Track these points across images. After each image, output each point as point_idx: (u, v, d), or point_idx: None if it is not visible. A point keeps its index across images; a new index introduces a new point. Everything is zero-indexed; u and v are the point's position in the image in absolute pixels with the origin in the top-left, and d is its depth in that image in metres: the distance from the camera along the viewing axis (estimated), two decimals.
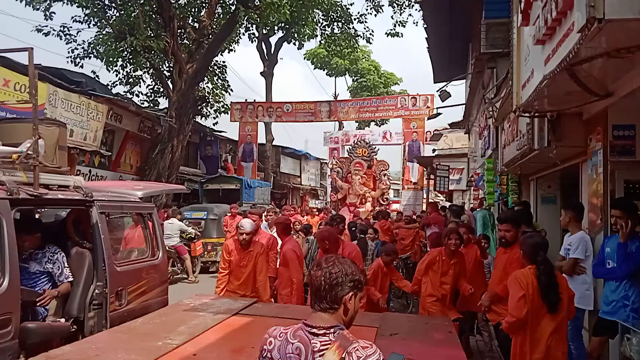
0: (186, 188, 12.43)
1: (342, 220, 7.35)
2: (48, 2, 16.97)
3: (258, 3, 16.87)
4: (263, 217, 9.37)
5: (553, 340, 3.71)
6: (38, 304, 4.18)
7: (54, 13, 17.15)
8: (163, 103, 19.68)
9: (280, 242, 6.44)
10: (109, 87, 18.53)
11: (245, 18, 17.09)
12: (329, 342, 1.80)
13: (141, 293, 5.04)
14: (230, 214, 12.67)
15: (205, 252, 12.80)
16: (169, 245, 11.76)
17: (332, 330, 1.83)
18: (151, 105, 19.98)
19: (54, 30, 17.52)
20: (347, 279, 1.89)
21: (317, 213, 16.21)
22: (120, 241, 6.96)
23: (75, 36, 18.15)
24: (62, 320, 4.26)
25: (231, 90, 22.29)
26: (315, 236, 6.64)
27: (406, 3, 20.39)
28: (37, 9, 16.91)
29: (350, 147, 23.82)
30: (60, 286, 4.34)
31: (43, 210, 5.88)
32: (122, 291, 4.71)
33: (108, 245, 4.62)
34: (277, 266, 6.12)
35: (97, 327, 4.38)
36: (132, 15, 17.24)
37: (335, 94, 37.07)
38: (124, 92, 19.48)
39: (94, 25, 18.23)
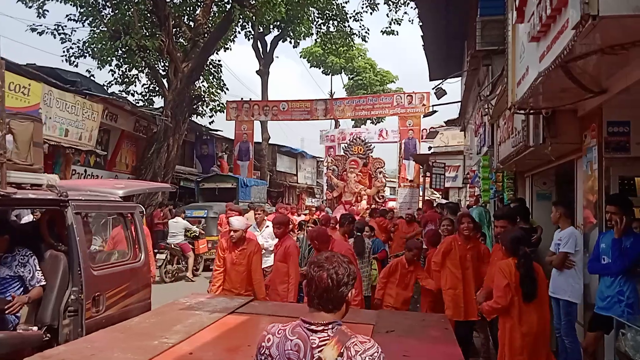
0: (171, 186, 12.38)
1: (353, 220, 7.09)
2: (41, 0, 16.90)
3: (253, 1, 16.83)
4: (252, 216, 9.34)
5: (539, 326, 4.02)
6: (7, 312, 3.95)
7: (47, 11, 17.07)
8: (158, 102, 19.67)
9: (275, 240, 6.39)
10: (105, 86, 18.47)
11: (241, 16, 17.06)
12: (328, 337, 1.82)
13: (121, 298, 4.74)
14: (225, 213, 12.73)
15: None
16: (174, 244, 11.87)
17: (330, 326, 1.84)
18: (147, 104, 19.93)
19: (48, 29, 17.46)
20: (350, 278, 1.92)
21: (315, 211, 16.22)
22: (106, 242, 6.87)
23: (70, 35, 18.09)
24: (34, 328, 4.01)
25: (227, 89, 22.30)
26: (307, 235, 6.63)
27: (402, 1, 20.38)
28: (30, 7, 16.83)
29: (346, 145, 23.79)
30: (31, 291, 4.09)
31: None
32: (99, 297, 4.42)
33: (84, 248, 4.36)
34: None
35: (73, 335, 4.06)
36: (127, 14, 17.17)
37: (331, 92, 37.10)
38: (119, 91, 19.43)
39: (88, 24, 18.15)
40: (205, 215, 13.98)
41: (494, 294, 4.15)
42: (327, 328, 1.84)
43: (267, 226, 7.91)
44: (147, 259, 5.40)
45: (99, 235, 7.55)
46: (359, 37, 23.79)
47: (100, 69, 18.78)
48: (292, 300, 5.51)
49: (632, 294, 4.11)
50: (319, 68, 38.74)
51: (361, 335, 1.85)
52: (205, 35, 17.69)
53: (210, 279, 6.07)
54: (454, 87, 14.47)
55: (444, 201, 17.24)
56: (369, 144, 23.37)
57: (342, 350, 1.76)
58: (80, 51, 18.22)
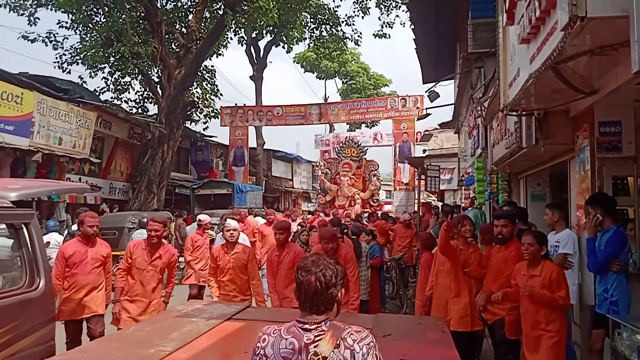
0: (90, 187, 11.41)
1: (339, 224, 7.31)
2: (33, 7, 16.87)
3: (246, 7, 16.87)
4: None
5: None
6: None
7: (39, 19, 17.07)
8: (153, 109, 19.64)
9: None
10: (97, 92, 18.43)
11: (233, 22, 17.09)
12: (322, 332, 1.85)
13: (4, 344, 3.43)
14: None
15: None
16: None
17: (322, 323, 1.88)
18: (141, 111, 19.91)
19: (40, 36, 17.44)
20: (338, 278, 1.94)
21: (310, 218, 16.13)
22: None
23: (61, 42, 18.07)
24: None
25: (221, 94, 22.31)
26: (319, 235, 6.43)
27: (393, 4, 20.48)
28: (22, 15, 16.81)
29: (339, 147, 23.45)
30: None
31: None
32: None
33: None
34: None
35: None
36: (119, 20, 17.18)
37: (325, 97, 37.17)
38: (112, 98, 19.40)
39: (80, 31, 18.14)
40: (217, 222, 13.83)
41: (563, 293, 4.01)
42: (319, 325, 1.87)
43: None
44: (49, 287, 4.00)
45: None
46: (351, 41, 23.94)
47: (93, 77, 18.78)
48: None
49: (617, 291, 4.13)
50: (313, 72, 38.88)
51: (355, 325, 1.89)
52: (198, 41, 17.70)
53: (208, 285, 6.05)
54: (447, 89, 14.49)
55: (439, 204, 17.25)
56: (363, 146, 23.13)
57: (338, 342, 1.80)
58: (72, 58, 18.20)
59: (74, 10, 17.17)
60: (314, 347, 1.82)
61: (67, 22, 18.00)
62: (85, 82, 18.45)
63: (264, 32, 26.06)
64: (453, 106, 14.55)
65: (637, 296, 4.42)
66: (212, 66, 21.63)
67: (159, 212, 14.38)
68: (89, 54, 17.71)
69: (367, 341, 1.83)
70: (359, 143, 23.45)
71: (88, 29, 17.97)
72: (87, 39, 18.19)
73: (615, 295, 4.11)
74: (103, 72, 18.79)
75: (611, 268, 4.16)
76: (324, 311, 1.91)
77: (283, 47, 27.13)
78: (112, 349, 3.27)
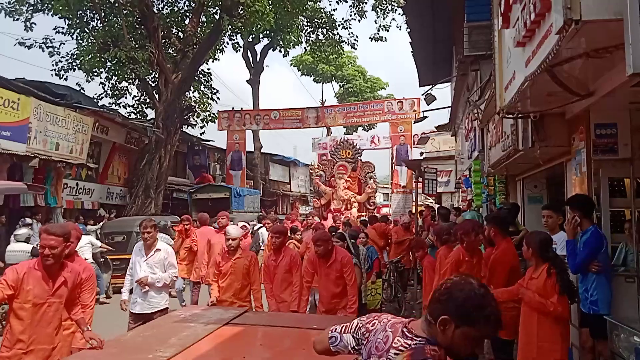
0: (27, 187, 10.75)
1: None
2: (29, 13, 16.89)
3: (242, 11, 16.90)
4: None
5: None
6: None
7: (35, 24, 17.12)
8: (150, 114, 19.64)
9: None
10: (95, 99, 18.43)
11: (230, 26, 17.11)
12: (407, 347, 1.72)
13: None
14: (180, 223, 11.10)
15: None
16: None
17: (418, 339, 1.72)
18: (139, 116, 19.90)
19: (36, 42, 17.44)
20: (453, 305, 1.66)
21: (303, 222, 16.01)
22: None
23: (58, 48, 18.08)
24: None
25: (218, 98, 22.31)
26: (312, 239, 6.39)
27: (389, 8, 20.55)
28: (17, 20, 16.82)
29: (333, 149, 22.67)
30: None
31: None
32: None
33: None
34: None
35: None
36: (116, 25, 17.19)
37: (322, 100, 37.18)
38: (110, 104, 19.40)
39: (76, 36, 18.15)
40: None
41: (553, 302, 3.77)
42: (415, 339, 1.73)
43: (158, 250, 5.65)
44: None
45: None
46: (348, 44, 23.98)
47: (89, 82, 18.79)
48: (302, 310, 5.47)
49: (596, 291, 4.19)
50: (310, 76, 38.91)
51: None
52: (195, 45, 17.72)
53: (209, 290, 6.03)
54: (444, 92, 14.54)
55: (436, 206, 17.26)
56: (358, 148, 22.56)
57: None
58: (69, 64, 18.20)
59: (71, 16, 17.19)
60: (394, 354, 1.73)
61: (63, 28, 18.03)
62: (83, 89, 18.47)
63: (261, 36, 26.10)
64: (450, 109, 14.59)
65: (634, 297, 4.43)
66: (209, 70, 21.65)
67: (168, 215, 14.33)
68: (85, 59, 17.72)
69: None
70: (354, 144, 22.93)
71: (85, 34, 17.99)
72: (83, 44, 18.19)
73: (595, 295, 4.19)
74: (100, 78, 18.80)
75: (590, 269, 4.21)
76: (427, 317, 1.73)
77: (280, 50, 27.19)
78: (109, 355, 3.27)
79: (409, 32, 11.53)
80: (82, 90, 17.90)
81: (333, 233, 7.97)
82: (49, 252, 3.64)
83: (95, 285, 4.28)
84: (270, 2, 18.22)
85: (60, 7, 16.42)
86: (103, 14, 17.29)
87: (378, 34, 21.55)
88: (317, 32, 23.63)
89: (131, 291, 5.71)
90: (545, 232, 4.37)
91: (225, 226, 7.43)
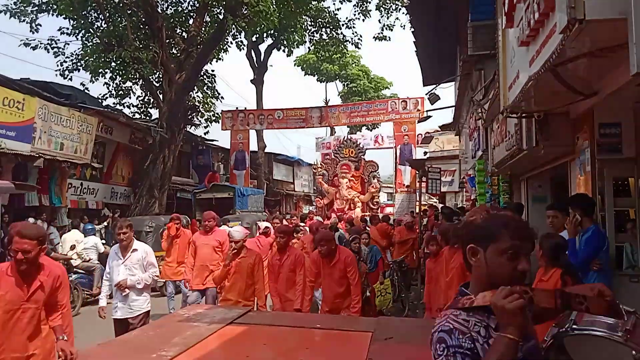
0: (14, 185, 10.27)
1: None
2: (34, 13, 16.94)
3: (246, 11, 16.91)
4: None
5: None
6: None
7: (40, 25, 17.14)
8: (154, 114, 19.67)
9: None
10: (99, 99, 18.48)
11: (234, 26, 17.13)
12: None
13: None
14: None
15: None
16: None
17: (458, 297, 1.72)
18: (143, 116, 19.94)
19: (41, 43, 17.49)
20: (471, 230, 1.73)
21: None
22: None
23: (63, 49, 18.13)
24: None
25: (222, 98, 22.32)
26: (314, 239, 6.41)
27: (393, 7, 20.51)
28: (23, 21, 16.87)
29: (336, 148, 22.52)
30: None
31: None
32: None
33: None
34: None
35: None
36: (120, 26, 17.22)
37: (326, 100, 37.19)
38: (114, 104, 19.45)
39: (81, 37, 18.20)
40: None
41: None
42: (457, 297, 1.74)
43: (135, 250, 5.49)
44: None
45: None
46: (352, 44, 23.96)
47: (94, 82, 18.85)
48: (306, 310, 5.48)
49: None
50: (314, 75, 38.90)
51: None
52: (199, 45, 17.74)
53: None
54: (447, 91, 14.52)
55: (439, 206, 17.23)
56: (362, 146, 22.31)
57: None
58: (73, 65, 18.25)
59: (75, 16, 17.23)
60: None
61: (68, 29, 18.08)
62: (87, 89, 18.53)
63: (265, 35, 26.11)
64: (453, 108, 14.57)
65: (638, 297, 4.42)
66: (213, 70, 21.68)
67: (162, 215, 14.40)
68: (90, 59, 17.76)
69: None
70: (358, 143, 22.75)
71: (89, 34, 18.02)
72: (88, 44, 18.24)
73: None
74: (105, 78, 18.84)
75: (591, 267, 4.19)
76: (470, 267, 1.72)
77: (283, 50, 27.19)
78: (113, 355, 3.27)
79: (412, 32, 11.52)
80: (86, 91, 17.96)
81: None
82: (22, 257, 3.40)
83: (67, 284, 4.05)
84: (274, 2, 18.22)
85: (65, 8, 16.47)
86: (107, 15, 17.32)
87: (382, 33, 21.50)
88: (321, 31, 23.61)
89: (111, 296, 5.55)
90: (562, 237, 4.26)
91: (212, 229, 7.27)
